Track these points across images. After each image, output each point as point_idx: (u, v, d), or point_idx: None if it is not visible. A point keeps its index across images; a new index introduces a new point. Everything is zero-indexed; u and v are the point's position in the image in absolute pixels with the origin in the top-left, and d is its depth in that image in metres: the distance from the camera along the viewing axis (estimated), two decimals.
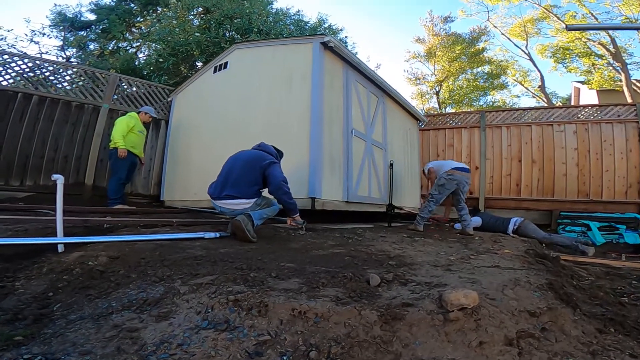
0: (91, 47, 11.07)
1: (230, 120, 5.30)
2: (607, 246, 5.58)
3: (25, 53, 8.54)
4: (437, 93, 19.72)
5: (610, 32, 11.65)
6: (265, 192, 3.23)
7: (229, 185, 3.06)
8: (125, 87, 6.88)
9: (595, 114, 6.97)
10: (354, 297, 1.48)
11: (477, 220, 5.66)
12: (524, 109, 7.81)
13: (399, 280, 1.74)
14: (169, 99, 6.88)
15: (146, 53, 10.66)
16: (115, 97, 6.46)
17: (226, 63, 5.65)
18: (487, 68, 19.06)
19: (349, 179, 4.73)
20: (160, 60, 8.54)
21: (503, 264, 2.29)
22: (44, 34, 10.72)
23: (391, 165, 5.78)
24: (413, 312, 1.34)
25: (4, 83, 5.40)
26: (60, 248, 2.28)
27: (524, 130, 7.45)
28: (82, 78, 6.13)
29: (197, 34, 8.37)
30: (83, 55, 10.42)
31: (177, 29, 8.40)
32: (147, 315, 1.39)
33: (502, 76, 19.04)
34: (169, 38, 8.32)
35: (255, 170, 3.07)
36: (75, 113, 5.90)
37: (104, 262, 1.98)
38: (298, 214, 3.39)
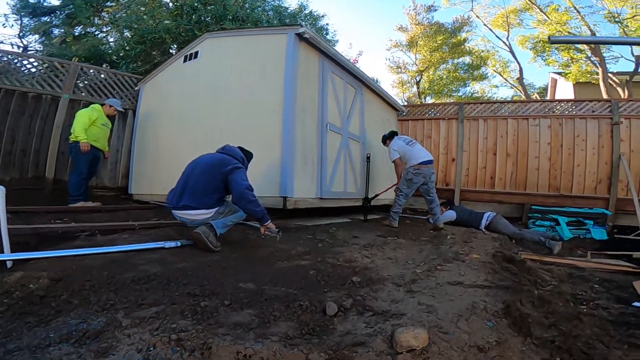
0: (55, 32, 10.42)
1: (201, 112, 5.07)
2: (575, 241, 5.66)
3: None
4: (418, 83, 19.65)
5: (591, 26, 11.73)
6: (230, 198, 3.08)
7: (186, 194, 2.86)
8: (89, 75, 6.48)
9: (571, 109, 7.03)
10: (305, 333, 1.41)
11: (451, 214, 5.72)
12: (502, 102, 7.85)
13: (356, 307, 1.68)
14: (136, 88, 6.54)
15: (116, 39, 10.12)
16: (80, 85, 6.11)
17: (197, 52, 5.38)
18: (467, 59, 19.06)
19: (323, 175, 4.64)
20: (127, 48, 8.07)
21: (467, 278, 2.27)
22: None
23: (368, 158, 5.73)
24: (362, 353, 1.29)
25: None
26: (9, 264, 2.12)
27: (500, 124, 7.47)
28: (40, 68, 5.75)
29: (167, 21, 7.92)
30: (46, 42, 9.79)
31: (145, 16, 7.92)
32: (86, 350, 1.30)
33: (482, 67, 19.09)
34: (136, 25, 7.85)
35: (215, 177, 2.84)
36: (32, 104, 5.53)
37: (45, 285, 1.83)
38: (270, 221, 2.93)
